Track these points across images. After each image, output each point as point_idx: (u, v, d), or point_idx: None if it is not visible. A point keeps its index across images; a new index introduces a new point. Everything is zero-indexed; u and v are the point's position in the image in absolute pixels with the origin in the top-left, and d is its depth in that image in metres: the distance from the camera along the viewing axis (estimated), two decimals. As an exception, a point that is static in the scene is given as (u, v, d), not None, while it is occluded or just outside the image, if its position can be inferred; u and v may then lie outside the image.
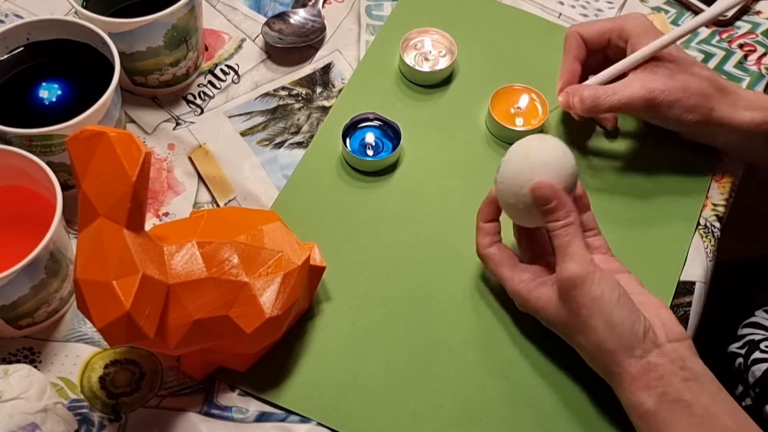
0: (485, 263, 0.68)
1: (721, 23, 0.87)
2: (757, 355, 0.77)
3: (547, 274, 0.65)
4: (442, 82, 0.82)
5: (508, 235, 0.69)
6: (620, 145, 0.79)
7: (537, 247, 0.68)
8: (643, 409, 0.59)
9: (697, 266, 0.73)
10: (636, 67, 0.72)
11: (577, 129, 0.80)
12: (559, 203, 0.62)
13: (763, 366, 0.76)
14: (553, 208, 0.62)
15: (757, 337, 0.79)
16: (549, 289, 0.63)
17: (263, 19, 0.86)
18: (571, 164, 0.64)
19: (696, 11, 0.88)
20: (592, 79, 0.75)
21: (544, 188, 0.62)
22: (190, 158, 0.77)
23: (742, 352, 0.80)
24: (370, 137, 0.77)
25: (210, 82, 0.82)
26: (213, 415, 0.65)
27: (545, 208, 0.62)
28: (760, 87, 0.83)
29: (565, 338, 0.64)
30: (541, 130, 0.78)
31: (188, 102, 0.81)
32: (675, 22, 0.87)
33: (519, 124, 0.78)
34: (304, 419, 0.65)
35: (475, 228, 0.68)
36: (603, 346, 0.60)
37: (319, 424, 0.65)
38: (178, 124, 0.79)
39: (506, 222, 0.68)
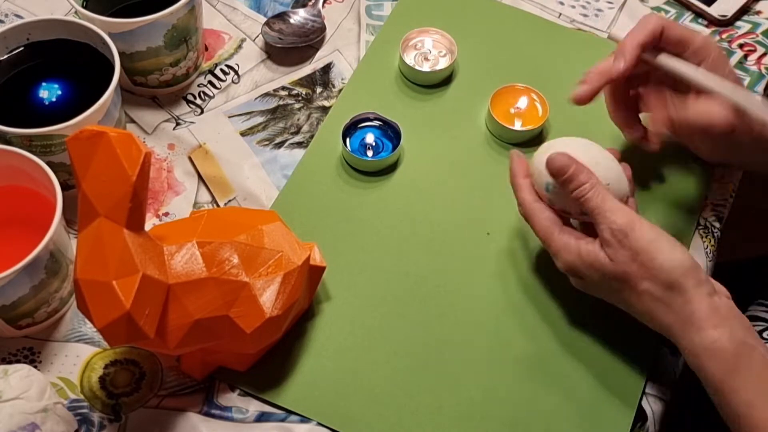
0: (529, 218, 0.67)
1: (721, 23, 0.87)
2: None
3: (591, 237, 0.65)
4: (442, 82, 0.82)
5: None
6: (619, 145, 0.79)
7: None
8: (716, 346, 0.59)
9: (697, 266, 0.73)
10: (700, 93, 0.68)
11: (578, 130, 0.80)
12: (577, 168, 0.63)
13: None
14: (572, 175, 0.63)
15: (758, 328, 0.79)
16: (596, 247, 0.63)
17: (263, 19, 0.86)
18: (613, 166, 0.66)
19: (696, 11, 0.88)
20: (665, 58, 0.70)
21: (559, 158, 0.63)
22: (190, 158, 0.77)
23: None
24: (370, 137, 0.77)
25: (210, 82, 0.82)
26: (213, 415, 0.65)
27: (565, 177, 0.63)
28: (760, 87, 0.83)
29: (619, 297, 0.64)
30: (541, 130, 0.78)
31: (188, 102, 0.81)
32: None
33: (518, 124, 0.78)
34: (304, 419, 0.65)
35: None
36: (673, 282, 0.60)
37: (319, 424, 0.65)
38: (178, 124, 0.79)
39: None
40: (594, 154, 0.66)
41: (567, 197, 0.64)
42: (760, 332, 0.79)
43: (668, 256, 0.60)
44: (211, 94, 0.81)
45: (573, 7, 0.89)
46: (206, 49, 0.84)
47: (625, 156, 0.78)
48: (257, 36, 0.85)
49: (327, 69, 0.83)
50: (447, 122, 0.80)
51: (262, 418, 0.65)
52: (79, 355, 0.67)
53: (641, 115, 0.74)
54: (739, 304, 0.85)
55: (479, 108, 0.80)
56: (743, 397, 0.58)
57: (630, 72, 0.69)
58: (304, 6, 0.87)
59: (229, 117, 0.80)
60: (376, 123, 0.78)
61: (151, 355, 0.67)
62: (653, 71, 0.72)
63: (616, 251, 0.61)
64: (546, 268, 0.70)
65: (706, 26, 0.87)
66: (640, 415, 0.66)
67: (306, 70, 0.83)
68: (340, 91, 0.82)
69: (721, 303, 0.60)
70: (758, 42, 0.86)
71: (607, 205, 0.62)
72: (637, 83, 0.73)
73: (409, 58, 0.81)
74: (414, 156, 0.78)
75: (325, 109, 0.80)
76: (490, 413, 0.65)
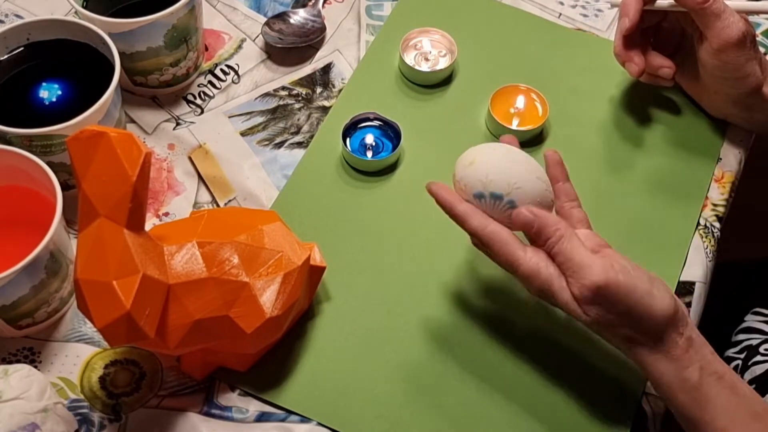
0: (489, 246, 0.61)
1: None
2: (757, 358, 0.77)
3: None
4: (442, 82, 0.82)
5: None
6: (620, 146, 0.79)
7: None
8: (689, 384, 0.59)
9: (696, 266, 0.73)
10: None
11: (578, 130, 0.80)
12: (541, 222, 0.59)
13: (766, 366, 0.76)
14: (537, 231, 0.59)
15: (755, 342, 0.80)
16: (566, 290, 0.59)
17: (263, 19, 0.86)
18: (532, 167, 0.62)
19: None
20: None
21: (522, 216, 0.59)
22: (190, 158, 0.77)
23: (741, 356, 0.80)
24: (370, 137, 0.77)
25: (210, 82, 0.82)
26: (213, 415, 0.65)
27: (531, 233, 0.60)
28: (760, 87, 0.83)
29: (594, 330, 0.61)
30: (541, 130, 0.78)
31: (188, 102, 0.81)
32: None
33: (518, 123, 0.78)
34: (304, 419, 0.65)
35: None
36: (651, 330, 0.59)
37: (319, 424, 0.65)
38: (178, 124, 0.79)
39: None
40: (516, 162, 0.62)
41: (502, 214, 0.61)
42: (757, 345, 0.79)
43: (651, 309, 0.58)
44: (211, 94, 0.81)
45: (573, 7, 0.89)
46: (206, 49, 0.84)
47: (626, 156, 0.78)
48: (257, 36, 0.85)
49: (327, 69, 0.83)
50: (447, 122, 0.80)
51: (262, 418, 0.65)
52: (79, 355, 0.67)
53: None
54: (738, 307, 0.85)
55: (479, 108, 0.80)
56: (717, 425, 0.59)
57: (636, 26, 0.72)
58: (304, 6, 0.87)
59: (229, 117, 0.80)
60: (376, 123, 0.78)
61: (151, 355, 0.67)
62: (662, 21, 0.76)
63: (590, 307, 0.58)
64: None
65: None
66: (640, 415, 0.66)
67: (306, 70, 0.83)
68: (340, 91, 0.82)
69: (693, 334, 0.60)
70: (758, 42, 0.86)
71: (578, 260, 0.58)
72: (650, 35, 0.77)
73: (409, 58, 0.81)
74: (414, 156, 0.78)
75: (325, 109, 0.80)
76: (490, 413, 0.65)
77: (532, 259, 0.59)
